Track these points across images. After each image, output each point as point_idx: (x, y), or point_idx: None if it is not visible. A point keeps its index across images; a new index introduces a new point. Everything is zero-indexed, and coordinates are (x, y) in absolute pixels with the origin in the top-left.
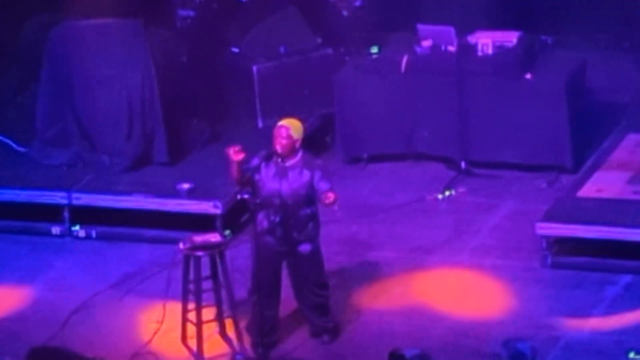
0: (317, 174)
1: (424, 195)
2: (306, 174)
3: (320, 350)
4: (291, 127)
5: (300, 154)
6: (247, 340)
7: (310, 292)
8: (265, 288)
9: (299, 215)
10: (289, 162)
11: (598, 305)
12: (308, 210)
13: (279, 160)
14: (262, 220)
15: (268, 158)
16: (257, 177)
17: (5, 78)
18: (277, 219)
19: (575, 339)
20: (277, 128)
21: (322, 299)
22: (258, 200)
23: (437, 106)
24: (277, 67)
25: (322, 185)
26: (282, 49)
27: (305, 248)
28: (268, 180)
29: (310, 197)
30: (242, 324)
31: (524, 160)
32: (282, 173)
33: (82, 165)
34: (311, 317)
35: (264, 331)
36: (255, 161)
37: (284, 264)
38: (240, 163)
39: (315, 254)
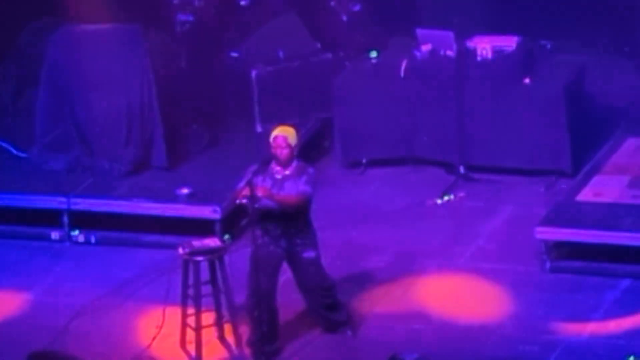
0: (303, 178)
1: (423, 200)
2: (299, 181)
3: (320, 355)
4: (288, 136)
5: (295, 163)
6: (245, 344)
7: (318, 295)
8: (266, 298)
9: (299, 223)
10: (285, 172)
11: (597, 309)
12: (307, 216)
13: (275, 171)
14: (263, 234)
15: (265, 164)
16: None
17: (4, 83)
18: (279, 231)
19: (574, 343)
20: (274, 139)
21: (331, 299)
22: (257, 205)
23: (436, 111)
24: (276, 72)
25: (301, 187)
26: (281, 54)
27: (309, 255)
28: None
29: (305, 201)
30: (241, 328)
31: (522, 165)
32: (279, 185)
33: (81, 170)
34: (324, 314)
35: (265, 340)
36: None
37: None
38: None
39: (318, 259)
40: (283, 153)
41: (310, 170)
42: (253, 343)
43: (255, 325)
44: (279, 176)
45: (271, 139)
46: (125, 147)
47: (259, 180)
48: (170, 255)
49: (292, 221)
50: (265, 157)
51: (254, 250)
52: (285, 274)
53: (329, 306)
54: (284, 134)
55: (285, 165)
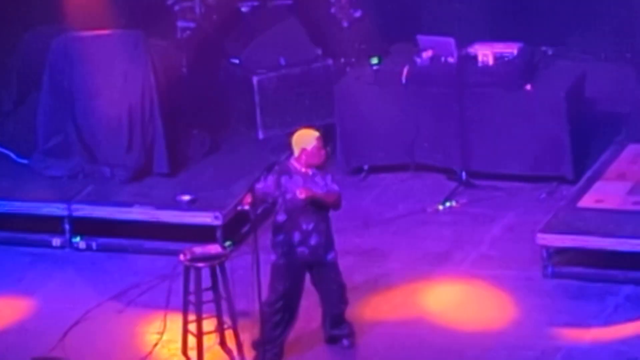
0: (329, 177)
1: (425, 207)
2: (322, 177)
3: None
4: (321, 137)
5: None
6: (247, 350)
7: (337, 300)
8: (289, 308)
9: (327, 219)
10: (312, 170)
11: (599, 315)
12: (329, 214)
13: (298, 167)
14: (293, 233)
15: (268, 170)
16: (281, 190)
17: (5, 89)
18: (311, 226)
19: (576, 349)
20: (316, 140)
21: (341, 309)
22: (259, 212)
23: (438, 117)
24: (278, 78)
25: (334, 188)
26: (282, 60)
27: (331, 256)
28: (296, 192)
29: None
30: (243, 335)
31: (524, 171)
32: (310, 181)
33: (83, 176)
34: (328, 325)
35: (275, 346)
36: (267, 183)
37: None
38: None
39: (337, 260)
40: (320, 154)
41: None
42: (259, 346)
43: (267, 329)
44: (305, 170)
45: (307, 144)
46: (127, 153)
47: (284, 179)
48: (172, 262)
49: (322, 217)
50: (269, 164)
51: (277, 257)
52: None
53: (337, 317)
54: (319, 135)
55: (321, 167)
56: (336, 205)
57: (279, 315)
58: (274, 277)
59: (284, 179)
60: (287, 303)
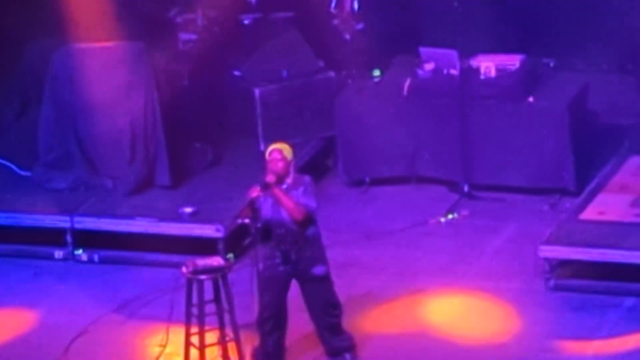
0: (300, 190)
1: (427, 219)
2: (296, 192)
3: None
4: (283, 149)
5: (292, 175)
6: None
7: (323, 313)
8: (276, 317)
9: (306, 236)
10: (283, 187)
11: (601, 328)
12: (313, 229)
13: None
14: (274, 252)
15: (265, 188)
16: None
17: (7, 101)
18: (287, 246)
19: None
20: (270, 153)
21: (335, 319)
22: (259, 225)
23: (440, 129)
24: (279, 91)
25: (301, 199)
26: (284, 73)
27: (319, 270)
28: (267, 211)
29: (309, 216)
30: (245, 347)
31: (526, 183)
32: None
33: (85, 188)
34: (326, 337)
35: (270, 358)
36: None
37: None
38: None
39: (328, 274)
40: (278, 166)
41: (307, 179)
42: (257, 359)
43: (262, 341)
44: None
45: (267, 154)
46: (129, 165)
47: (259, 201)
48: (174, 274)
49: (300, 232)
50: (263, 183)
51: (262, 269)
52: (292, 291)
53: (333, 328)
54: (280, 148)
55: (282, 179)
56: (293, 213)
57: (268, 325)
58: (260, 287)
59: (260, 200)
60: (274, 314)
